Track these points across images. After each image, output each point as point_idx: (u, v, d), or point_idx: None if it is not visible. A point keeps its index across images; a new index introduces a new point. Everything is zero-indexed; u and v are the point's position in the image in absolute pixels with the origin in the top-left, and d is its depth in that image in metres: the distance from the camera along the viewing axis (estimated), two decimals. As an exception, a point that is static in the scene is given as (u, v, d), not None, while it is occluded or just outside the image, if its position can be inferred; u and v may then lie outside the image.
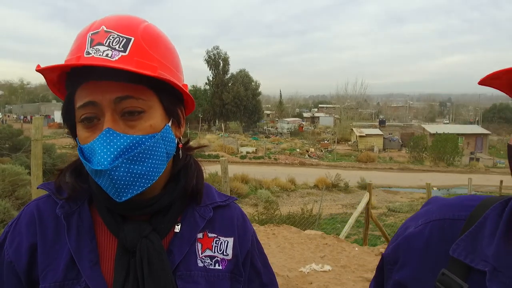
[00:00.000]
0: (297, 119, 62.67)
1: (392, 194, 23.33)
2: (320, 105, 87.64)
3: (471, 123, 61.92)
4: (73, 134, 0.81)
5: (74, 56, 0.74)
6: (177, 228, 0.83)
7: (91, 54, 0.72)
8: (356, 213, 8.02)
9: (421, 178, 25.88)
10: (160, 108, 0.79)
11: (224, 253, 0.86)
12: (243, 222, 0.93)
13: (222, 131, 45.59)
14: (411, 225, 0.82)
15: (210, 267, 0.83)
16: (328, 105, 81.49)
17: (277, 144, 41.68)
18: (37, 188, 0.89)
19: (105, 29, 0.75)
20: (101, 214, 0.80)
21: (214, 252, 0.85)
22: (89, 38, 0.74)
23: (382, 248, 5.18)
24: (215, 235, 0.87)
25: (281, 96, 71.98)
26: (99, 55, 0.71)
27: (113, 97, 0.73)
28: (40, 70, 0.71)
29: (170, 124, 0.80)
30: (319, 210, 13.32)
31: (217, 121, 55.36)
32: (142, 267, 0.75)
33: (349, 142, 45.86)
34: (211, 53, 53.65)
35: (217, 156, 26.45)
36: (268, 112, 69.55)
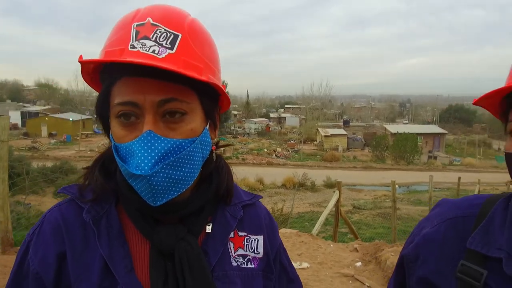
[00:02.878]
0: (264, 119, 63.07)
1: (356, 192, 24.07)
2: (286, 106, 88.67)
3: (429, 123, 64.95)
4: (107, 130, 0.77)
5: (117, 48, 0.68)
6: (209, 229, 0.82)
7: (136, 48, 0.67)
8: (326, 211, 8.20)
9: (383, 176, 26.88)
10: (201, 111, 0.76)
11: (255, 251, 0.86)
12: (270, 221, 0.94)
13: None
14: (427, 226, 0.90)
15: (243, 266, 0.83)
16: (294, 106, 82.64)
17: (244, 144, 41.74)
18: (58, 192, 0.84)
19: (151, 21, 0.70)
20: (132, 217, 0.77)
21: (246, 251, 0.85)
22: (134, 30, 0.69)
23: (356, 245, 5.35)
24: (246, 234, 0.87)
25: (248, 96, 72.05)
26: (145, 50, 0.67)
27: (156, 99, 0.69)
28: (82, 62, 0.67)
29: (207, 127, 0.78)
30: (291, 209, 13.50)
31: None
32: (182, 270, 0.73)
33: (315, 142, 46.73)
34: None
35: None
36: (235, 112, 69.33)
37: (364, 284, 4.19)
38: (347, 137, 44.57)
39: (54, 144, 37.66)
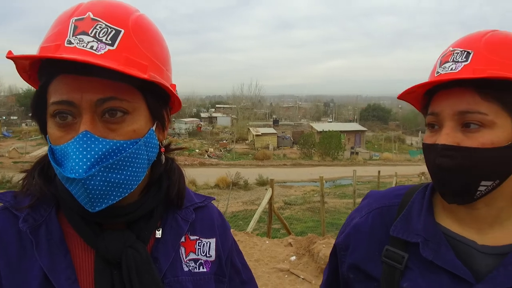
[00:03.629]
0: (195, 119, 62.09)
1: (287, 189, 24.86)
2: (217, 105, 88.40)
3: (350, 121, 69.49)
4: (43, 131, 0.71)
5: (53, 43, 0.64)
6: (158, 234, 0.78)
7: (73, 44, 0.63)
8: (260, 208, 8.36)
9: (311, 172, 28.19)
10: (145, 111, 0.71)
11: (207, 255, 0.84)
12: (223, 222, 0.92)
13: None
14: (356, 216, 0.97)
15: (195, 270, 0.81)
16: (225, 105, 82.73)
17: (175, 145, 40.59)
18: None
19: (91, 16, 0.65)
20: (73, 223, 0.71)
21: (198, 255, 0.83)
22: (72, 25, 0.65)
23: (290, 239, 5.53)
24: (197, 237, 0.84)
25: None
26: (83, 46, 0.63)
27: (94, 98, 0.64)
28: (11, 57, 0.62)
29: (154, 127, 0.74)
30: (225, 209, 13.50)
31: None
32: (130, 280, 0.69)
33: (247, 141, 47.34)
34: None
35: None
36: (164, 112, 67.19)
37: (299, 277, 4.35)
38: (277, 136, 45.83)
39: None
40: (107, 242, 0.70)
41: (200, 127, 55.20)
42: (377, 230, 0.90)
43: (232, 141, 44.06)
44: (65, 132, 0.66)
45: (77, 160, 0.62)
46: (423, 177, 22.75)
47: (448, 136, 0.74)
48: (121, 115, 0.67)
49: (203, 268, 0.83)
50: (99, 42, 0.64)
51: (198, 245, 0.84)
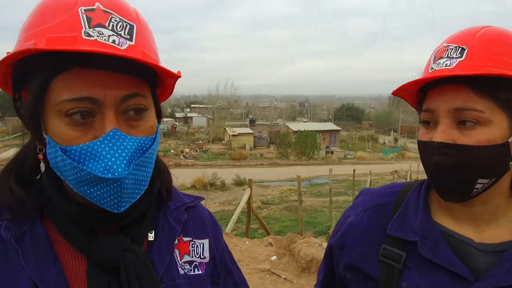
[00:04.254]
0: (169, 119, 61.28)
1: (264, 188, 24.94)
2: (192, 105, 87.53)
3: (325, 121, 70.39)
4: (38, 134, 0.65)
5: (68, 34, 0.58)
6: (151, 236, 0.75)
7: (93, 36, 0.58)
8: (239, 208, 8.33)
9: (287, 172, 28.37)
10: (154, 107, 0.71)
11: (201, 256, 0.82)
12: (214, 222, 0.90)
13: None
14: (351, 214, 0.95)
15: (191, 273, 0.79)
16: (200, 105, 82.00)
17: (150, 145, 39.90)
18: None
19: (102, 7, 0.61)
20: (62, 229, 0.67)
21: (192, 257, 0.81)
22: (84, 15, 0.59)
23: (270, 239, 5.53)
24: (190, 239, 0.82)
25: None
26: (104, 40, 0.59)
27: (119, 95, 0.62)
28: (20, 51, 0.56)
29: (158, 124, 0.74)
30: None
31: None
32: (129, 284, 0.66)
33: (223, 141, 47.11)
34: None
35: None
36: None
37: (281, 277, 4.36)
38: (254, 136, 45.89)
39: None
40: (102, 247, 0.66)
41: (175, 128, 54.49)
42: (373, 229, 0.89)
43: (208, 141, 43.73)
44: (82, 131, 0.61)
45: (113, 159, 0.60)
46: (395, 175, 23.36)
47: (443, 133, 0.74)
48: (141, 112, 0.66)
49: (198, 270, 0.80)
50: (119, 37, 0.61)
51: (192, 247, 0.82)
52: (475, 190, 0.75)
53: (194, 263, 0.81)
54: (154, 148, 0.68)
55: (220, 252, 0.88)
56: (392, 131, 58.65)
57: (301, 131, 38.84)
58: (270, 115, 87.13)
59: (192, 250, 0.81)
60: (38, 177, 0.71)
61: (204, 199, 0.93)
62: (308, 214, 15.40)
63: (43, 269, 0.64)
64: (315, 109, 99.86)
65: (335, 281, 0.98)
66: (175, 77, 0.69)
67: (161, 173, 0.81)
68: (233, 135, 44.46)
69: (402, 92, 0.86)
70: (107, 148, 0.60)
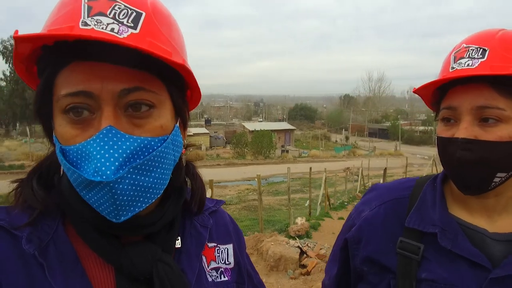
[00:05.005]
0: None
1: (221, 189, 24.81)
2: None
3: (280, 120, 71.60)
4: (48, 130, 0.60)
5: (64, 25, 0.54)
6: (178, 243, 0.70)
7: (89, 25, 0.53)
8: (201, 210, 8.23)
9: (245, 171, 28.49)
10: (170, 105, 0.63)
11: (227, 262, 0.78)
12: (235, 227, 0.87)
13: (27, 136, 38.74)
14: (365, 209, 0.97)
15: (217, 280, 0.75)
16: (153, 105, 79.93)
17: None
18: None
19: None
20: (87, 239, 0.61)
21: (218, 263, 0.77)
22: (85, 5, 0.56)
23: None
24: (215, 244, 0.78)
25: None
26: (101, 28, 0.53)
27: (117, 89, 0.56)
28: (18, 37, 0.51)
29: (177, 125, 0.65)
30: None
31: (18, 124, 46.35)
32: None
33: (178, 142, 46.25)
34: (8, 43, 44.76)
35: (21, 167, 22.26)
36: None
37: (250, 276, 4.34)
38: (210, 136, 45.56)
39: None
40: (132, 257, 0.61)
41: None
42: (389, 222, 0.91)
43: (163, 142, 42.63)
44: (80, 129, 0.56)
45: (102, 160, 0.53)
46: (348, 172, 24.25)
47: (466, 130, 0.78)
48: (146, 109, 0.59)
49: (224, 276, 0.77)
50: (120, 24, 0.55)
51: (217, 253, 0.78)
52: (493, 183, 0.79)
53: (220, 269, 0.77)
54: (163, 151, 0.60)
55: (244, 257, 0.86)
56: (343, 129, 61.00)
57: (258, 130, 39.19)
58: (226, 115, 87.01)
59: (217, 256, 0.78)
60: (58, 179, 0.65)
61: (224, 202, 0.89)
62: (267, 213, 15.53)
63: (70, 284, 0.59)
64: (270, 109, 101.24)
65: (349, 275, 0.99)
66: (187, 70, 0.61)
67: (193, 180, 0.76)
68: (189, 135, 43.54)
69: (422, 91, 0.89)
70: (98, 148, 0.54)
